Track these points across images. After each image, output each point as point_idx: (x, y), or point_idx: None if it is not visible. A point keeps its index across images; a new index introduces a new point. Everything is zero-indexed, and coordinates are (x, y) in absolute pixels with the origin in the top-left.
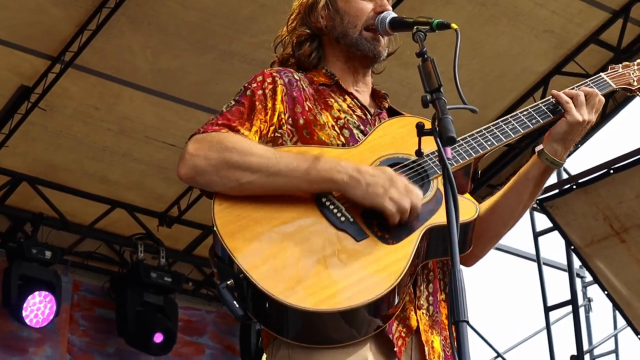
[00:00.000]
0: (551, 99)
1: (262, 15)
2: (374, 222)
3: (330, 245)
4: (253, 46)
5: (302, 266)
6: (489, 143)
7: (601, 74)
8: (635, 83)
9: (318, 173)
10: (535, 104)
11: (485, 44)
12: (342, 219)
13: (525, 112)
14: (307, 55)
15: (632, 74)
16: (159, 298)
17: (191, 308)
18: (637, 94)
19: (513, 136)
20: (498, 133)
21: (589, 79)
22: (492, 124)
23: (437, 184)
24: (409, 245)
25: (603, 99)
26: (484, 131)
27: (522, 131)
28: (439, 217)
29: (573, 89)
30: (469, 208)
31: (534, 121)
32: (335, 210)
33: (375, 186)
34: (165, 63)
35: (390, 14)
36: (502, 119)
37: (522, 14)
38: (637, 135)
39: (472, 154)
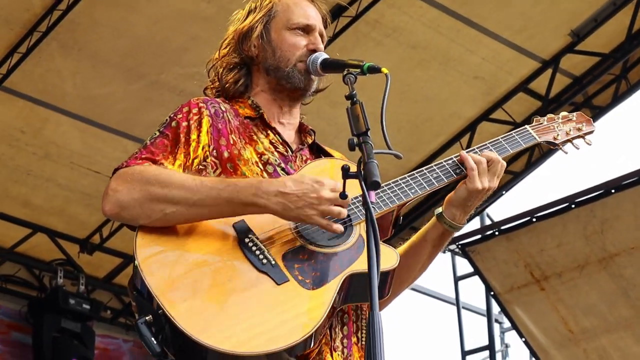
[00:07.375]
0: (454, 159)
1: (193, 46)
2: (295, 265)
3: (250, 288)
4: (183, 77)
5: (221, 307)
6: (413, 191)
7: (526, 126)
8: (560, 137)
9: (240, 200)
10: (440, 162)
11: (415, 88)
12: (264, 261)
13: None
14: (234, 82)
15: (557, 127)
16: (77, 325)
17: (108, 336)
18: (560, 148)
19: (437, 185)
20: (422, 181)
21: (514, 131)
22: (416, 171)
23: (359, 230)
24: (329, 291)
25: (505, 164)
26: (408, 178)
27: (437, 185)
28: (360, 264)
29: (475, 152)
30: (390, 256)
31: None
32: (257, 252)
33: (304, 208)
34: (94, 90)
35: (322, 55)
36: (427, 166)
37: (453, 60)
38: (560, 185)
39: (396, 201)
